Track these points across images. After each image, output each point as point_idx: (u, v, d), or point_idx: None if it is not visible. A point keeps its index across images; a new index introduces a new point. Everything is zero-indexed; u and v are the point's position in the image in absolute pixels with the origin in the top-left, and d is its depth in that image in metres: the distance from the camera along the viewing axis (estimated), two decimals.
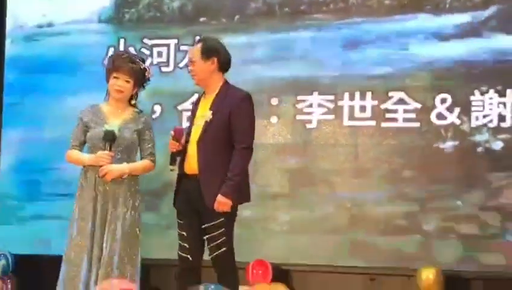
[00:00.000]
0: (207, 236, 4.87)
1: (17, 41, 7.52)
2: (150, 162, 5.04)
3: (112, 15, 7.32)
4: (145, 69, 5.05)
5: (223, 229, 4.84)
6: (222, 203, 4.79)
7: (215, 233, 4.83)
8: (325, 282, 6.53)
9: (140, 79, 5.03)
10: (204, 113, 4.92)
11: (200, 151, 4.85)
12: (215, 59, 4.95)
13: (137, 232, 4.96)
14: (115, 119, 4.99)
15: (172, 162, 4.94)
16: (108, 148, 4.88)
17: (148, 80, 5.08)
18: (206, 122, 4.88)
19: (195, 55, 4.95)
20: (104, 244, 4.83)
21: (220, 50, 4.99)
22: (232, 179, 4.79)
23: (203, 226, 4.85)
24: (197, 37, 6.25)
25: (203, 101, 5.01)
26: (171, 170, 4.98)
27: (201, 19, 7.04)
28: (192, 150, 4.89)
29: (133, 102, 5.06)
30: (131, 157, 5.01)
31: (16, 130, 7.45)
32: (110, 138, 4.89)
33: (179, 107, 6.91)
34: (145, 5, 7.22)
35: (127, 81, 4.97)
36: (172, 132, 4.94)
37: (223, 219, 4.83)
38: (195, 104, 5.10)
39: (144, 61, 5.11)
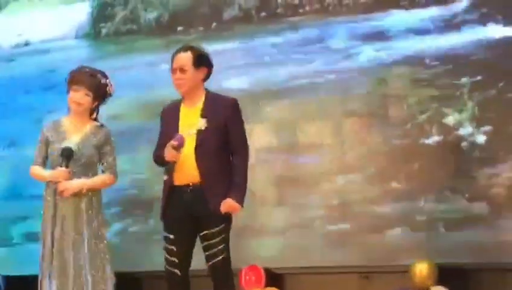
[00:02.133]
0: (205, 243, 4.78)
1: None
2: (110, 175, 5.01)
3: (89, 30, 7.31)
4: (105, 84, 4.99)
5: (224, 235, 4.79)
6: (233, 207, 4.75)
7: (214, 240, 4.76)
8: (319, 283, 6.50)
9: (100, 94, 4.97)
10: (194, 122, 4.81)
11: (200, 160, 4.75)
12: (206, 69, 4.88)
13: (103, 247, 4.95)
14: (75, 135, 4.95)
15: (171, 172, 4.77)
16: (65, 164, 4.85)
17: (110, 95, 5.03)
18: (200, 130, 4.79)
19: (187, 63, 4.81)
20: (68, 261, 4.82)
21: (209, 61, 4.90)
22: (241, 184, 4.79)
23: (203, 233, 4.80)
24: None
25: (187, 110, 4.88)
26: (166, 180, 4.86)
27: (179, 28, 7.03)
28: (186, 159, 4.77)
29: (93, 116, 5.02)
30: (91, 173, 4.97)
31: None
32: (66, 155, 4.86)
33: None
34: (121, 18, 7.22)
35: (87, 95, 4.92)
36: (175, 142, 4.70)
37: (223, 225, 4.78)
38: (172, 115, 4.91)
39: (105, 76, 5.03)
